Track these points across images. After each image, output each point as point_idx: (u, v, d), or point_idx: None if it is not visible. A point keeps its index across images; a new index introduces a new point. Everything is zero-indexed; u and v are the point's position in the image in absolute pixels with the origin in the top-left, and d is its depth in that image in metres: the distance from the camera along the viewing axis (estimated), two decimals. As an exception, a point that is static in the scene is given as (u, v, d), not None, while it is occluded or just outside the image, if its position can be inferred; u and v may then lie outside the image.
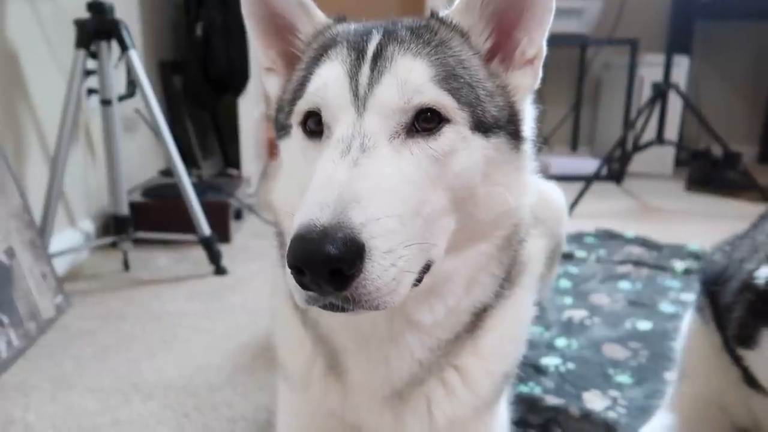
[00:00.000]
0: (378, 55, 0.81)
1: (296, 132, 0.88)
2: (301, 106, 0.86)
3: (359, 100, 0.79)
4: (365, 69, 0.81)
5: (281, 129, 0.94)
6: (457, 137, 0.80)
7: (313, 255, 0.64)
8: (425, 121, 0.79)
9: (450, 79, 0.82)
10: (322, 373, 1.00)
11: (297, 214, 0.69)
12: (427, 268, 0.79)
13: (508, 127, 0.87)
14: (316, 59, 0.88)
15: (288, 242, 0.67)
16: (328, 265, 0.64)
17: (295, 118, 0.87)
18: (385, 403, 0.96)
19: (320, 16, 0.97)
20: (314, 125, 0.84)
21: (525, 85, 0.91)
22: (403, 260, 0.70)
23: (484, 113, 0.84)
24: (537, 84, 0.93)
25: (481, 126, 0.83)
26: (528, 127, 0.93)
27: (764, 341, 1.13)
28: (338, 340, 0.95)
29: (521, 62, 0.91)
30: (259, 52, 1.01)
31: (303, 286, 0.68)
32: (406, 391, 0.95)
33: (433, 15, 0.91)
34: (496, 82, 0.89)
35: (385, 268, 0.68)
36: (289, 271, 0.68)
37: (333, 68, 0.83)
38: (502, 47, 0.91)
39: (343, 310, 0.70)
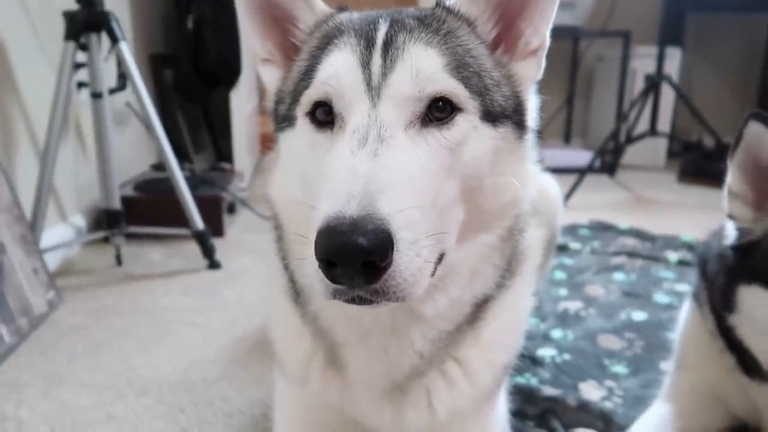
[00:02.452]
0: (388, 44, 0.80)
1: (302, 123, 0.86)
2: (310, 96, 0.84)
3: (373, 89, 0.78)
4: (376, 58, 0.79)
5: (282, 121, 0.92)
6: (469, 126, 0.80)
7: (345, 247, 0.63)
8: (438, 110, 0.79)
9: (461, 68, 0.81)
10: (321, 367, 0.99)
11: (321, 205, 0.68)
12: (439, 259, 0.79)
13: (514, 116, 0.87)
14: (322, 48, 0.86)
15: (314, 234, 0.65)
16: (361, 257, 0.63)
17: (302, 109, 0.85)
18: (385, 396, 0.95)
19: (321, 5, 0.96)
20: (324, 115, 0.83)
21: (528, 75, 0.91)
22: (426, 250, 0.70)
23: (492, 102, 0.84)
24: (540, 74, 0.93)
25: (490, 115, 0.83)
26: (532, 117, 0.93)
27: (742, 300, 1.17)
28: (338, 333, 0.94)
29: (525, 53, 0.91)
30: (255, 44, 0.99)
31: (332, 279, 0.67)
32: (407, 384, 0.95)
33: (439, 4, 0.90)
34: (502, 71, 0.89)
35: (411, 259, 0.67)
36: (315, 264, 0.66)
37: (343, 57, 0.81)
38: (505, 37, 0.91)
39: (369, 302, 0.69)
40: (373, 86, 0.78)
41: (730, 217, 1.23)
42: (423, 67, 0.78)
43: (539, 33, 0.90)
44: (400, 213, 0.67)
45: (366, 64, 0.79)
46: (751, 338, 1.19)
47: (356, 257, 0.63)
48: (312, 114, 0.84)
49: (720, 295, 1.24)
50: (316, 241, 0.65)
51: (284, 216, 0.95)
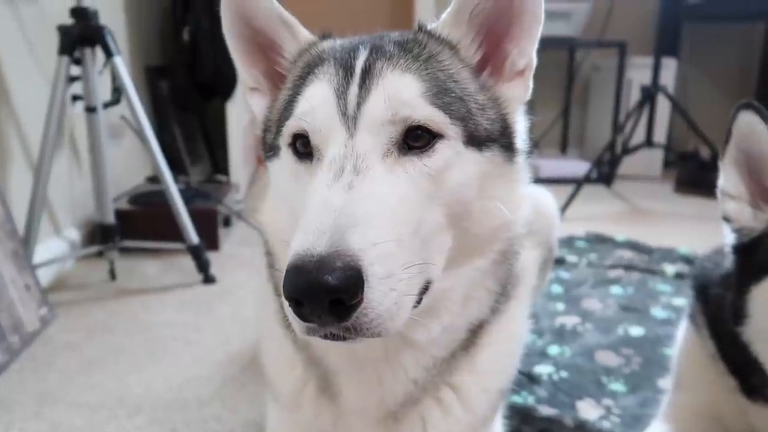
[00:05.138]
0: (366, 72, 0.79)
1: (285, 153, 0.85)
2: (289, 129, 0.83)
3: (349, 120, 0.77)
4: (353, 87, 0.78)
5: (269, 150, 0.92)
6: (451, 153, 0.79)
7: (311, 286, 0.61)
8: (416, 139, 0.77)
9: (441, 93, 0.80)
10: (313, 395, 0.98)
11: (293, 241, 0.67)
12: (425, 289, 0.77)
13: (501, 139, 0.86)
14: (303, 78, 0.86)
15: (283, 271, 0.64)
16: (328, 296, 0.62)
17: (284, 140, 0.85)
18: (380, 425, 0.94)
19: (304, 34, 0.95)
20: (303, 147, 0.82)
21: (516, 96, 0.90)
22: (403, 283, 0.68)
23: (476, 127, 0.82)
24: (528, 95, 0.92)
25: (474, 140, 0.82)
26: (521, 139, 0.91)
27: (753, 303, 1.11)
28: (331, 361, 0.93)
29: (512, 74, 0.90)
30: (241, 72, 0.98)
31: (302, 317, 0.65)
32: (401, 412, 0.93)
33: (421, 28, 0.89)
34: (487, 94, 0.87)
35: (384, 294, 0.65)
36: (286, 302, 0.65)
37: (320, 88, 0.80)
38: (491, 59, 0.90)
39: (344, 339, 0.68)
40: (349, 116, 0.77)
41: (726, 219, 1.18)
42: (398, 93, 0.77)
43: (525, 53, 0.89)
44: (374, 247, 0.65)
45: (342, 95, 0.78)
46: (765, 350, 1.12)
47: (323, 296, 0.62)
48: (294, 145, 0.83)
49: (730, 310, 1.17)
50: (284, 279, 0.64)
51: (272, 244, 0.94)
